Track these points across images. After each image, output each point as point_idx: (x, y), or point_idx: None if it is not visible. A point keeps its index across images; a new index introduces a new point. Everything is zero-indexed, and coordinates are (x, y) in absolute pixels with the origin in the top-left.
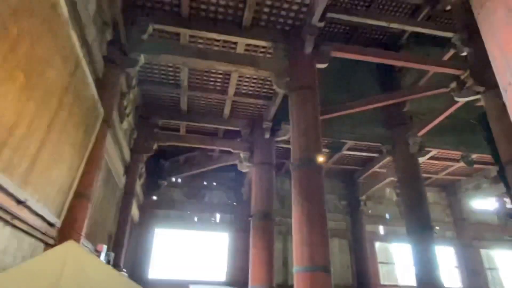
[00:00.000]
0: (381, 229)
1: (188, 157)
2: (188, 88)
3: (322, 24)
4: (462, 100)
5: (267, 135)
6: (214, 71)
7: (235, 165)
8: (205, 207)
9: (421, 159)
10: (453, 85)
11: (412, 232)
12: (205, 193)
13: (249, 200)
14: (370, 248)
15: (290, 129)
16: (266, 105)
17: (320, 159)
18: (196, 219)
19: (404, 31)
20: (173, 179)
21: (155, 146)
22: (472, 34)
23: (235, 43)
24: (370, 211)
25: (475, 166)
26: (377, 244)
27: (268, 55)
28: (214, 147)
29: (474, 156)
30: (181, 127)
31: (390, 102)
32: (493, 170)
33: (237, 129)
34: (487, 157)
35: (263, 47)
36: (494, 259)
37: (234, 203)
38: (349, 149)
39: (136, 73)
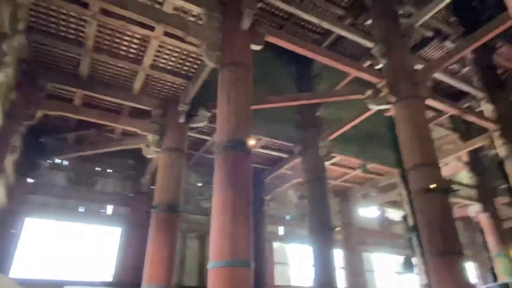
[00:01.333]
0: (280, 230)
1: (81, 136)
2: (94, 49)
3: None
4: (375, 108)
5: (181, 119)
6: (130, 33)
7: (137, 152)
8: (95, 196)
9: (326, 163)
10: (369, 92)
11: (314, 232)
12: (97, 181)
13: (150, 192)
14: (269, 248)
15: (208, 116)
16: (185, 85)
17: (251, 142)
18: (82, 209)
19: (327, 36)
20: (58, 160)
21: (39, 115)
22: (390, 48)
23: (161, 3)
24: (272, 212)
25: (366, 175)
26: (275, 245)
27: (199, 22)
28: (117, 126)
29: (370, 166)
30: (76, 97)
31: (307, 102)
32: (382, 180)
33: (147, 108)
34: (379, 167)
35: (194, 15)
36: (372, 262)
37: (131, 194)
38: (261, 147)
39: (27, 9)
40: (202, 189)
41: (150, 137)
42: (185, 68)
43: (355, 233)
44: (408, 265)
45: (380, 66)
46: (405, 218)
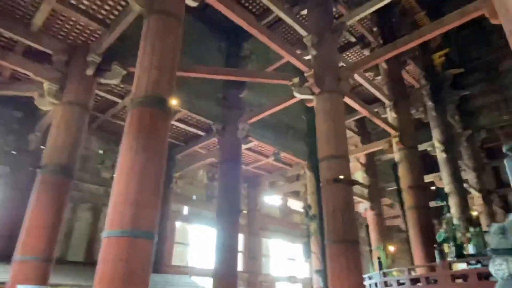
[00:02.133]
0: (185, 209)
1: None
2: None
3: None
4: (299, 96)
5: (90, 72)
6: None
7: (27, 102)
8: None
9: (243, 147)
10: (296, 80)
11: (222, 214)
12: None
13: (38, 152)
14: (170, 227)
15: (122, 74)
16: (100, 32)
17: (173, 101)
18: None
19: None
20: None
21: None
22: (320, 40)
23: None
24: (179, 190)
25: (276, 164)
26: (178, 224)
27: None
28: (5, 64)
29: (282, 155)
30: None
31: (233, 78)
32: (290, 171)
33: (48, 51)
34: (290, 158)
35: None
36: (269, 247)
37: (14, 152)
38: (177, 120)
39: None
40: (103, 156)
41: (47, 85)
42: (103, 11)
43: (257, 219)
44: (307, 252)
45: (309, 57)
46: (306, 208)
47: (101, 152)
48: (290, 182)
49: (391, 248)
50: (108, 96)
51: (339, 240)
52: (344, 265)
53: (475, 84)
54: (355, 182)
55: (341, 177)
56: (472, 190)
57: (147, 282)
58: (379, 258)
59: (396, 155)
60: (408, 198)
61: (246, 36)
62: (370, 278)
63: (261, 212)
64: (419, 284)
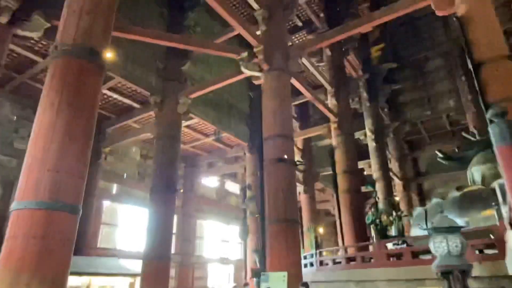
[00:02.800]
0: (114, 188)
1: None
2: None
3: None
4: (246, 72)
5: (3, 19)
6: None
7: None
8: None
9: (182, 123)
10: (244, 54)
11: (156, 194)
12: None
13: None
14: (97, 206)
15: (44, 27)
16: None
17: (108, 54)
18: None
19: None
20: None
21: None
22: (271, 16)
23: None
24: (108, 167)
25: (216, 144)
26: (106, 203)
27: None
28: None
29: (224, 135)
30: None
31: (176, 45)
32: (230, 152)
33: None
34: (231, 138)
35: None
36: (204, 229)
37: None
38: (109, 89)
39: None
40: (18, 124)
41: None
42: None
43: (193, 200)
44: (244, 232)
45: (259, 33)
46: (244, 189)
47: (15, 118)
48: (229, 163)
49: (321, 230)
50: (27, 54)
51: (281, 220)
52: (284, 245)
53: (405, 80)
54: (299, 163)
55: (286, 157)
56: (395, 178)
57: (67, 263)
58: (316, 237)
59: (334, 141)
60: (342, 182)
61: (191, 4)
62: (305, 257)
63: (197, 193)
64: (353, 262)
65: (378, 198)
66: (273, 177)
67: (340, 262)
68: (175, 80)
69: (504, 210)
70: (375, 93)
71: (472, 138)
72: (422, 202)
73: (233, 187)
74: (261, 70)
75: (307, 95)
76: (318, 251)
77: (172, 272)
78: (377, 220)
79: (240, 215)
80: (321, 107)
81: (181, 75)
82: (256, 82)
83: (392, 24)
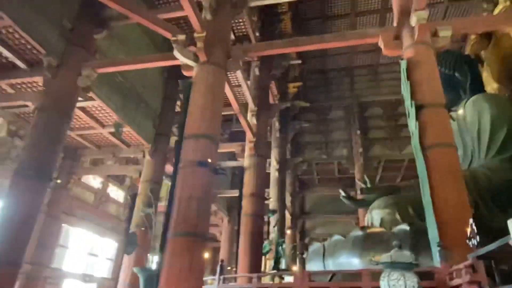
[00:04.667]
0: None
1: None
2: None
3: None
4: (179, 57)
5: None
6: None
7: None
8: None
9: (79, 103)
10: (182, 37)
11: (22, 180)
12: None
13: None
14: None
15: None
16: None
17: None
18: None
19: None
20: None
21: None
22: (220, 8)
23: None
24: None
25: (111, 139)
26: None
27: None
28: None
29: (126, 129)
30: None
31: None
32: (126, 151)
33: None
34: (132, 135)
35: None
36: (69, 237)
37: None
38: None
39: None
40: None
41: None
42: None
43: (64, 200)
44: (131, 247)
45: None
46: (133, 197)
47: None
48: (121, 164)
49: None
50: None
51: (190, 233)
52: (187, 264)
53: (310, 122)
54: (221, 172)
55: (209, 160)
56: (287, 212)
57: None
58: (222, 261)
59: (246, 161)
60: (247, 205)
61: None
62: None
63: (71, 192)
64: None
65: (275, 227)
66: (189, 182)
67: None
68: (83, 47)
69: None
70: (285, 127)
71: (363, 185)
72: (302, 240)
73: (117, 194)
74: (196, 60)
75: (234, 106)
76: (222, 277)
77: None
78: (280, 249)
79: (119, 227)
80: (244, 122)
81: (91, 44)
82: (185, 73)
83: (310, 69)
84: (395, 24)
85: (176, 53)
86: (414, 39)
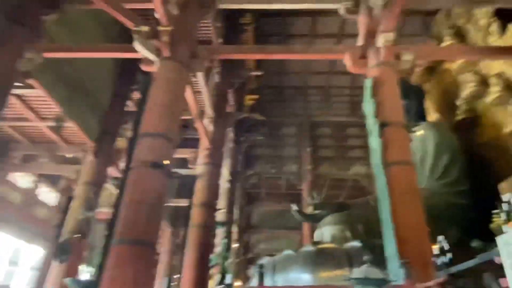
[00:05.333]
0: None
1: None
2: None
3: None
4: (140, 50)
5: None
6: None
7: None
8: None
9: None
10: (146, 28)
11: None
12: None
13: None
14: None
15: None
16: None
17: None
18: None
19: None
20: None
21: None
22: (187, 4)
23: None
24: None
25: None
26: None
27: None
28: None
29: (68, 124)
30: None
31: None
32: (65, 149)
33: None
34: (74, 132)
35: None
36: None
37: None
38: None
39: None
40: None
41: None
42: None
43: None
44: (63, 253)
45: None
46: (69, 200)
47: None
48: (58, 163)
49: None
50: None
51: (137, 241)
52: (131, 276)
53: (264, 135)
54: (175, 175)
55: (167, 162)
56: (234, 225)
57: None
58: (169, 275)
59: (199, 169)
60: (197, 215)
61: None
62: None
63: None
64: None
65: (225, 239)
66: (140, 185)
67: None
68: (29, 27)
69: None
70: (239, 138)
71: (313, 201)
72: (246, 254)
73: (48, 196)
74: (158, 55)
75: (193, 110)
76: None
77: None
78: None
79: (48, 233)
80: (201, 128)
81: (39, 25)
82: (145, 68)
83: (267, 84)
84: (360, 43)
85: (137, 45)
86: (380, 59)
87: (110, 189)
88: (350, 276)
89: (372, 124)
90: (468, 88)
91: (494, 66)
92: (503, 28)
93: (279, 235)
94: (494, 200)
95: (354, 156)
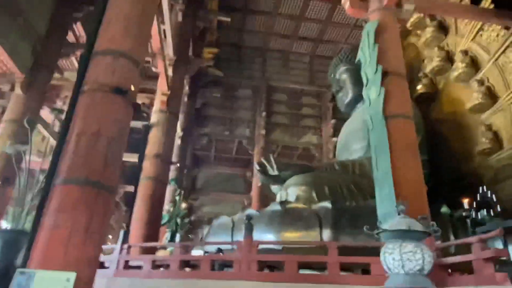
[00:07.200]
0: None
1: None
2: None
3: None
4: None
5: None
6: None
7: None
8: None
9: None
10: None
11: None
12: None
13: None
14: None
15: None
16: None
17: None
18: None
19: None
20: None
21: None
22: None
23: None
24: None
25: None
26: None
27: None
28: None
29: None
30: None
31: None
32: None
33: None
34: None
35: None
36: None
37: None
38: None
39: None
40: None
41: None
42: None
43: None
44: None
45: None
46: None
47: None
48: None
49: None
50: None
51: (91, 182)
52: (83, 223)
53: (217, 95)
54: (138, 107)
55: (132, 88)
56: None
57: None
58: (126, 227)
59: (155, 116)
60: (149, 167)
61: None
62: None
63: None
64: (191, 269)
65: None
66: (97, 113)
67: (168, 266)
68: None
69: None
70: (195, 94)
71: (270, 163)
72: (189, 216)
73: None
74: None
75: (155, 44)
76: (125, 245)
77: None
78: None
79: None
80: (162, 70)
81: None
82: None
83: (225, 41)
84: None
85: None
86: (382, 3)
87: (42, 133)
88: (383, 227)
89: (371, 73)
90: (433, 63)
91: (461, 43)
92: None
93: (226, 198)
94: (448, 174)
95: (307, 125)
